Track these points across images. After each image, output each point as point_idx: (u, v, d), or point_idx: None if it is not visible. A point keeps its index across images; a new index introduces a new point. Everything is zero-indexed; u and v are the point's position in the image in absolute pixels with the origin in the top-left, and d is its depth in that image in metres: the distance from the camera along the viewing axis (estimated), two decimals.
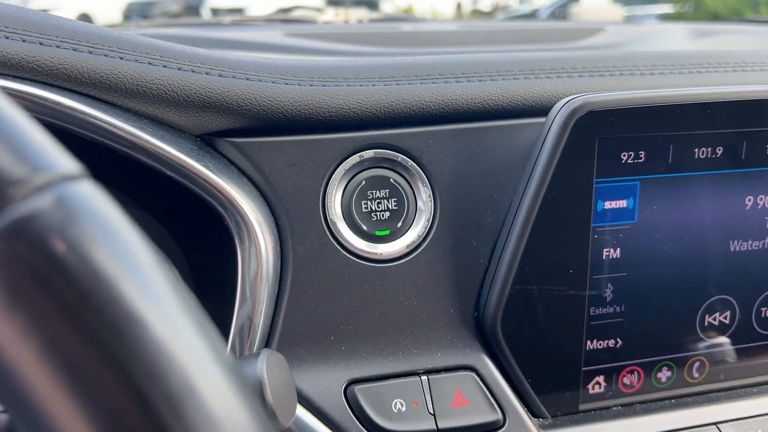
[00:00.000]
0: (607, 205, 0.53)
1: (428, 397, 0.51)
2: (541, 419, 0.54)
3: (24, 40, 0.45)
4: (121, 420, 0.19)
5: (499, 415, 0.52)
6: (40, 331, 0.19)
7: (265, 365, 0.37)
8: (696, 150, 0.54)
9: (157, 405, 0.19)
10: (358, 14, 1.81)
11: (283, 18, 1.69)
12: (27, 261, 0.19)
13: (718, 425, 0.55)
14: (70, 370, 0.19)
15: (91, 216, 0.21)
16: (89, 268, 0.20)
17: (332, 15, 1.73)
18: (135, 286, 0.20)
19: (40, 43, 0.45)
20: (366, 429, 0.50)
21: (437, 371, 0.53)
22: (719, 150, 0.54)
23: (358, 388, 0.51)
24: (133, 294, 0.20)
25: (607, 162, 0.52)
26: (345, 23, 1.63)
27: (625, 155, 0.52)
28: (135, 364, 0.19)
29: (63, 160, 0.21)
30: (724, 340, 0.58)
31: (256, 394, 0.37)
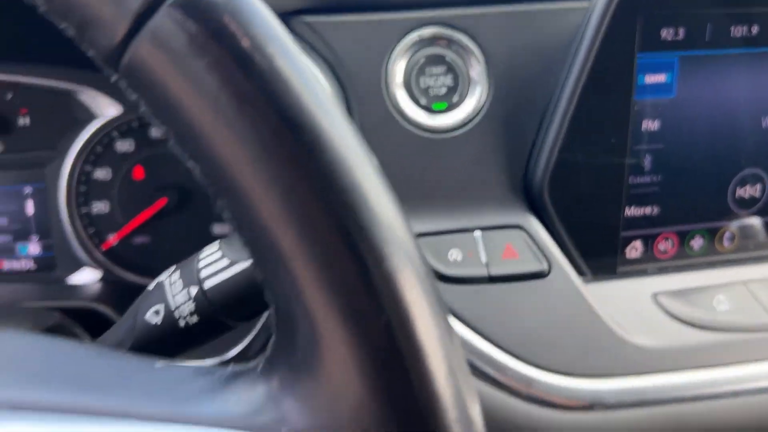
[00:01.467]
0: (648, 79, 0.57)
1: (481, 248, 0.57)
2: (582, 276, 0.60)
3: None
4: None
5: (545, 266, 0.57)
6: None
7: None
8: (732, 28, 0.57)
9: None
10: None
11: None
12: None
13: (747, 284, 0.60)
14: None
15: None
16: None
17: None
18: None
19: None
20: None
21: (489, 228, 0.58)
22: (755, 28, 0.58)
23: (419, 241, 0.57)
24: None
25: (648, 38, 0.56)
26: None
27: (664, 31, 0.56)
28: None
29: None
30: (754, 211, 0.62)
31: None
